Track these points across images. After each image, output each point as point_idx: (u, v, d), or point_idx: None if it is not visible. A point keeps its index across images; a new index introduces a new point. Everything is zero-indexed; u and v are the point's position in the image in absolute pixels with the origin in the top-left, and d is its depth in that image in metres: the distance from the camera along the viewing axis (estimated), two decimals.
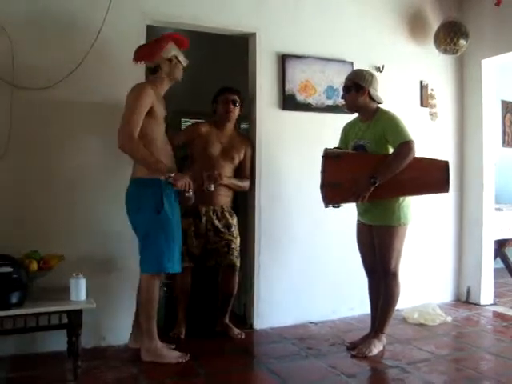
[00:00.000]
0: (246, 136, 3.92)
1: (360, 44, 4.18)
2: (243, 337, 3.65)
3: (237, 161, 3.73)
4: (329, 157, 3.22)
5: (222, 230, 3.64)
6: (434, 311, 4.10)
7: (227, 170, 3.67)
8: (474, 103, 4.58)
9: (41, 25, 3.18)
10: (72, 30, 3.25)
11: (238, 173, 3.76)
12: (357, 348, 3.32)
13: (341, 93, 3.49)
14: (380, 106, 3.35)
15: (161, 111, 3.12)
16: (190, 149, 3.72)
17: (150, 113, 3.01)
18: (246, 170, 3.80)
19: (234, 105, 3.66)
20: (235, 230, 3.70)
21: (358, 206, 3.43)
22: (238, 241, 3.70)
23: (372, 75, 3.35)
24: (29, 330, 2.94)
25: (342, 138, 3.52)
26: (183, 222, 3.56)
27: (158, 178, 3.01)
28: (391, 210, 3.24)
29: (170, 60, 3.13)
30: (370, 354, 3.27)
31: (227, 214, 3.68)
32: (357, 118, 3.47)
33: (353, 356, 3.28)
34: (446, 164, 3.16)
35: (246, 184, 3.78)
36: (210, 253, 3.66)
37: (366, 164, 3.18)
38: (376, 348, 3.32)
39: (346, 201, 3.24)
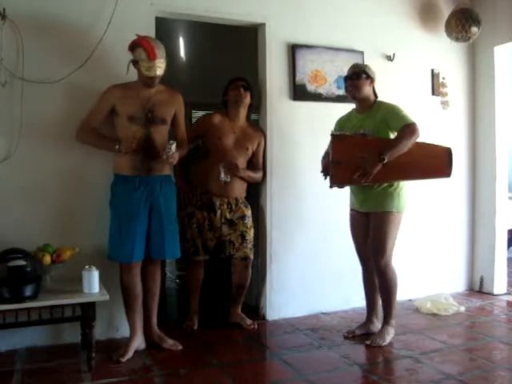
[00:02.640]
0: (259, 127, 3.90)
1: (370, 33, 4.14)
2: (256, 328, 3.66)
3: (250, 151, 3.70)
4: (337, 136, 3.29)
5: (236, 221, 3.63)
6: (446, 301, 4.09)
7: (241, 161, 3.65)
8: (487, 91, 4.53)
9: (49, 19, 3.17)
10: (80, 24, 3.24)
11: (251, 164, 3.74)
12: (370, 338, 3.34)
13: None
14: None
15: (126, 110, 3.06)
16: (203, 141, 3.69)
17: (114, 111, 3.11)
18: (259, 161, 3.78)
19: (245, 89, 3.63)
20: (249, 221, 3.69)
21: (356, 196, 3.44)
22: (252, 232, 3.70)
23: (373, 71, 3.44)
24: (43, 323, 2.95)
25: (336, 130, 3.51)
26: (198, 214, 3.57)
27: (115, 174, 3.14)
28: (389, 195, 3.30)
29: (134, 62, 3.05)
30: (384, 344, 3.28)
31: (242, 206, 3.67)
32: (351, 112, 3.53)
33: (366, 346, 3.29)
34: (448, 149, 3.27)
35: (259, 175, 3.78)
36: (223, 244, 3.65)
37: (371, 145, 3.23)
38: (389, 336, 3.34)
39: (353, 180, 3.22)
